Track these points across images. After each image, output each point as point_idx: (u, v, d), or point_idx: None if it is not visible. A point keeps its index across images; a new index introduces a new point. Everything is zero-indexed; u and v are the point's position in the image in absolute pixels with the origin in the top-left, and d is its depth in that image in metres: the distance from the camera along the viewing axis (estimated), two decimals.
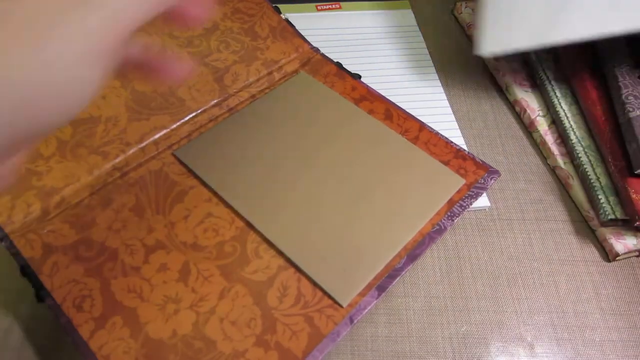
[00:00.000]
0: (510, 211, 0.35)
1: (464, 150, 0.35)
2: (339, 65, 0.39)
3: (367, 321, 0.30)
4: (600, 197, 0.34)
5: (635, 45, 0.38)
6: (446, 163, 0.34)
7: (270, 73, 0.38)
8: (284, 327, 0.27)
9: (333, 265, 0.29)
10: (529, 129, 0.40)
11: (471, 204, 0.32)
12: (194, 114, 0.35)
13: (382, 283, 0.28)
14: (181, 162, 0.32)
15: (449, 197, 0.32)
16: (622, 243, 0.33)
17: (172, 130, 0.34)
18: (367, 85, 0.38)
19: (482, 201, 0.35)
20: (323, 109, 0.36)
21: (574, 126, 0.37)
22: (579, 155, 0.36)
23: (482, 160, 0.34)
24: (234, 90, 0.36)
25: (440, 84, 0.42)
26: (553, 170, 0.38)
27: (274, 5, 0.42)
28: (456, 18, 0.48)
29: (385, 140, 0.35)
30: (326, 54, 0.40)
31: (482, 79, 0.44)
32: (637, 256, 0.34)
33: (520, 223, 0.35)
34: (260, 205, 0.31)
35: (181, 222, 0.30)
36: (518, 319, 0.31)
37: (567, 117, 0.38)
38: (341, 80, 0.38)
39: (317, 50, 0.40)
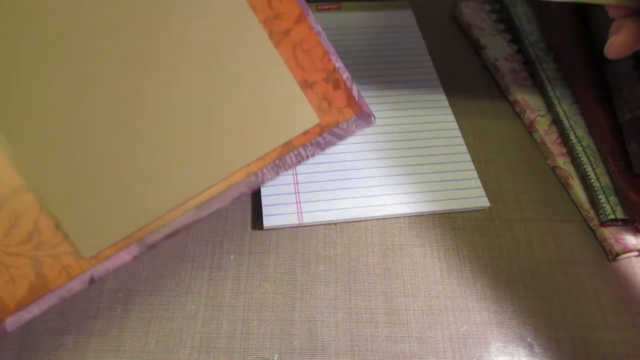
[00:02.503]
0: (510, 211, 0.35)
1: (343, 74, 0.26)
2: None
3: (367, 321, 0.30)
4: (600, 197, 0.34)
5: None
6: (309, 85, 0.25)
7: None
8: (1, 268, 0.21)
9: (87, 203, 0.22)
10: (529, 129, 0.40)
11: (314, 155, 0.25)
12: None
13: (148, 238, 0.22)
14: None
15: (286, 139, 0.24)
16: (622, 243, 0.33)
17: None
18: None
19: (482, 201, 0.35)
20: None
21: (574, 126, 0.37)
22: (579, 155, 0.36)
23: (359, 96, 0.26)
24: None
25: (440, 84, 0.42)
26: (553, 170, 0.38)
27: None
28: (456, 18, 0.48)
29: (234, 30, 0.24)
30: None
31: (482, 79, 0.44)
32: (637, 256, 0.34)
33: (520, 223, 0.35)
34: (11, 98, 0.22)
35: None
36: (518, 319, 0.31)
37: (567, 117, 0.38)
38: None
39: None
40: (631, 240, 0.33)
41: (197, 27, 0.23)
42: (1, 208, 0.22)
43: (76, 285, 0.22)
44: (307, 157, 0.25)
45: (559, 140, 0.38)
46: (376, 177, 0.36)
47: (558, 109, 0.38)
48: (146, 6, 0.23)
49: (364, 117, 0.26)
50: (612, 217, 0.33)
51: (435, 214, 0.35)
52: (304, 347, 0.29)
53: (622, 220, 0.33)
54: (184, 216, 0.23)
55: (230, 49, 0.24)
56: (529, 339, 0.30)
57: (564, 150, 0.37)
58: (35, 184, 0.22)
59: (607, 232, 0.33)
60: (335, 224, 0.34)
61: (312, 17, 0.25)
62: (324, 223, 0.34)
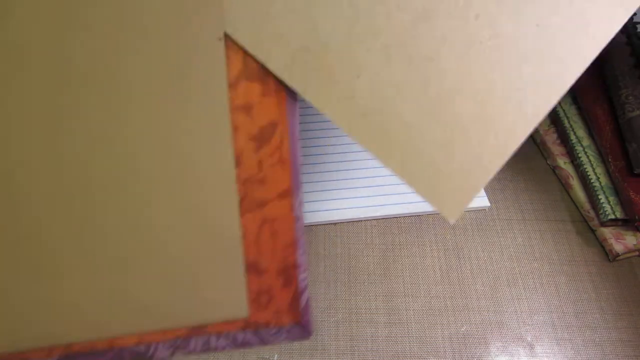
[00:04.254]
0: (510, 211, 0.35)
1: (300, 273, 0.21)
2: None
3: (367, 321, 0.30)
4: (600, 197, 0.34)
5: (636, 45, 0.38)
6: (258, 271, 0.20)
7: None
8: None
9: None
10: None
11: (223, 349, 0.20)
12: None
13: None
14: None
15: (200, 322, 0.19)
16: (622, 243, 0.33)
17: None
18: None
19: (482, 201, 0.35)
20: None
21: (574, 126, 0.37)
22: (579, 155, 0.36)
23: (306, 305, 0.21)
24: None
25: None
26: (553, 170, 0.38)
27: None
28: None
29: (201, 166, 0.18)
30: None
31: None
32: (637, 256, 0.34)
33: (520, 223, 0.35)
34: None
35: None
36: (518, 319, 0.31)
37: (567, 117, 0.38)
38: None
39: None
40: (631, 240, 0.33)
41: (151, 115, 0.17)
42: None
43: None
44: (215, 349, 0.20)
45: (559, 140, 0.38)
46: (376, 177, 0.36)
47: (558, 109, 0.38)
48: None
49: (300, 330, 0.21)
50: (612, 217, 0.33)
51: (435, 214, 0.35)
52: (304, 347, 0.29)
53: (622, 220, 0.33)
54: None
55: (191, 186, 0.18)
56: (529, 339, 0.30)
57: (564, 150, 0.37)
58: None
59: (607, 232, 0.33)
60: (335, 224, 0.34)
61: (299, 197, 0.20)
62: (324, 223, 0.34)
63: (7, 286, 0.17)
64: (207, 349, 0.19)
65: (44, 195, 0.17)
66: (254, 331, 0.20)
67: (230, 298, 0.19)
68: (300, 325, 0.20)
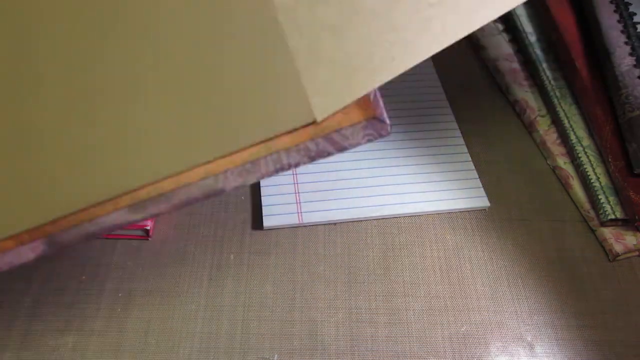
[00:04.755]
0: (510, 211, 0.35)
1: None
2: None
3: (367, 321, 0.30)
4: (600, 197, 0.34)
5: (636, 45, 0.38)
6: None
7: None
8: None
9: None
10: (528, 129, 0.40)
11: (298, 164, 0.18)
12: None
13: (61, 236, 0.17)
14: None
15: (264, 137, 0.17)
16: (622, 243, 0.33)
17: None
18: None
19: (482, 201, 0.35)
20: None
21: (574, 126, 0.37)
22: (579, 155, 0.36)
23: (376, 97, 0.19)
24: None
25: (440, 84, 0.42)
26: (553, 170, 0.38)
27: None
28: None
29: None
30: None
31: (482, 79, 0.44)
32: (637, 256, 0.34)
33: (520, 223, 0.35)
34: None
35: None
36: (518, 319, 0.31)
37: (567, 117, 0.38)
38: None
39: None
40: (631, 240, 0.33)
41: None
42: None
43: None
44: (289, 167, 0.18)
45: (559, 140, 0.38)
46: (376, 177, 0.36)
47: (558, 109, 0.38)
48: None
49: (377, 125, 0.18)
50: (612, 217, 0.33)
51: (435, 214, 0.35)
52: (304, 347, 0.29)
53: (622, 220, 0.33)
54: (112, 215, 0.17)
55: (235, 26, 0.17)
56: (529, 339, 0.30)
57: (564, 150, 0.37)
58: None
59: (607, 232, 0.33)
60: (335, 224, 0.34)
61: None
62: (324, 223, 0.34)
63: (64, 138, 0.17)
64: (280, 168, 0.18)
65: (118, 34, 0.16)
66: (326, 137, 0.18)
67: (290, 102, 0.17)
68: (375, 119, 0.18)
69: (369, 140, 0.18)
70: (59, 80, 0.17)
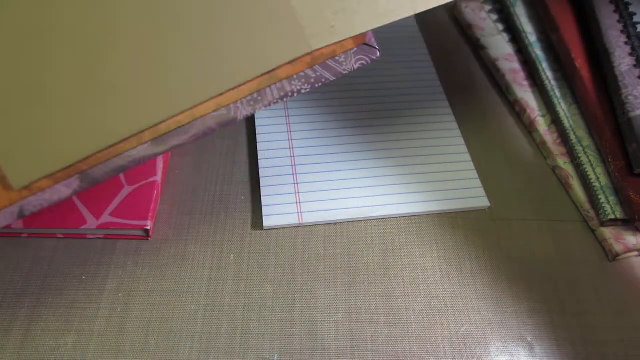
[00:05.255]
0: (510, 211, 0.35)
1: None
2: None
3: (367, 321, 0.30)
4: (600, 197, 0.34)
5: (636, 45, 0.38)
6: None
7: None
8: None
9: (22, 124, 0.18)
10: (528, 129, 0.40)
11: (300, 91, 0.20)
12: None
13: (92, 171, 0.19)
14: None
15: (268, 68, 0.19)
16: (622, 243, 0.33)
17: None
18: None
19: (482, 201, 0.35)
20: None
21: (574, 126, 0.37)
22: (579, 155, 0.36)
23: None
24: None
25: (440, 84, 0.42)
26: (553, 170, 0.38)
27: None
28: (456, 18, 0.48)
29: None
30: None
31: (482, 79, 0.44)
32: (637, 256, 0.34)
33: (520, 223, 0.35)
34: None
35: None
36: (518, 319, 0.31)
37: (567, 117, 0.38)
38: None
39: None
40: (631, 240, 0.33)
41: None
42: None
43: (3, 218, 0.19)
44: (293, 93, 0.20)
45: (559, 140, 0.38)
46: (376, 177, 0.36)
47: (558, 109, 0.38)
48: None
49: (367, 50, 0.20)
50: (612, 217, 0.33)
51: (435, 214, 0.35)
52: (304, 347, 0.29)
53: (622, 220, 0.33)
54: (136, 149, 0.19)
55: None
56: (529, 339, 0.30)
57: (564, 150, 0.37)
58: None
59: (607, 232, 0.33)
60: (335, 224, 0.34)
61: None
62: (324, 223, 0.34)
63: (84, 82, 0.18)
64: (284, 95, 0.20)
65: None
66: (323, 64, 0.20)
67: (288, 35, 0.19)
68: (364, 45, 0.20)
69: (362, 65, 0.20)
70: (79, 26, 0.18)
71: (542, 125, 0.39)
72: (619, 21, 0.38)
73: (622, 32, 0.38)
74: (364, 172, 0.36)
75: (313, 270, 0.32)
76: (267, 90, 0.20)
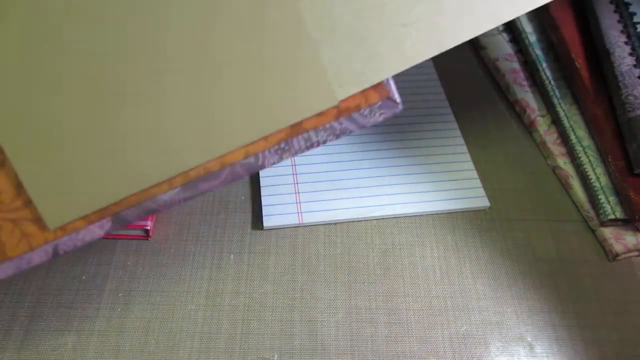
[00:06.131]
0: (510, 211, 0.35)
1: None
2: None
3: (367, 321, 0.30)
4: (600, 197, 0.34)
5: (636, 45, 0.38)
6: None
7: None
8: None
9: (59, 165, 0.19)
10: (529, 129, 0.40)
11: (325, 141, 0.21)
12: None
13: (125, 213, 0.20)
14: None
15: (296, 120, 0.20)
16: (622, 243, 0.33)
17: None
18: None
19: (482, 201, 0.35)
20: None
21: (574, 126, 0.37)
22: (579, 155, 0.36)
23: (388, 78, 0.21)
24: None
25: (440, 84, 0.42)
26: (553, 170, 0.38)
27: None
28: None
29: None
30: None
31: (482, 78, 0.44)
32: (637, 256, 0.34)
33: (520, 223, 0.35)
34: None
35: None
36: (518, 319, 0.31)
37: (567, 117, 0.38)
38: None
39: None
40: (631, 240, 0.33)
41: None
42: None
43: (37, 257, 0.19)
44: (318, 144, 0.21)
45: (559, 140, 0.38)
46: (376, 177, 0.36)
47: (558, 109, 0.38)
48: None
49: (390, 104, 0.21)
50: (612, 217, 0.33)
51: (435, 214, 0.35)
52: (304, 347, 0.29)
53: (622, 220, 0.33)
54: (167, 194, 0.20)
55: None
56: (529, 339, 0.30)
57: (564, 150, 0.37)
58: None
59: (607, 232, 0.33)
60: (335, 224, 0.34)
61: None
62: (324, 223, 0.34)
63: (120, 127, 0.19)
64: (310, 145, 0.21)
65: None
66: (348, 117, 0.21)
67: (316, 88, 0.20)
68: (389, 99, 0.21)
69: (385, 118, 0.21)
70: (122, 72, 0.19)
71: (542, 125, 0.39)
72: (619, 21, 0.38)
73: (622, 32, 0.38)
74: (364, 172, 0.36)
75: (313, 270, 0.32)
76: (294, 140, 0.21)
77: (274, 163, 0.21)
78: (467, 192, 0.35)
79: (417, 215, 0.35)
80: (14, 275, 0.20)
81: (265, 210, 0.34)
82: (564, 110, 0.38)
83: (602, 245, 0.34)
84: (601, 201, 0.34)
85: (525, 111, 0.40)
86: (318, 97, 0.20)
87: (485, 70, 0.44)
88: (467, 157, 0.37)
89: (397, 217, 0.35)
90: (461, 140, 0.38)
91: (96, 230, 0.20)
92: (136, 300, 0.30)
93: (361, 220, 0.34)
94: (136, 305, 0.30)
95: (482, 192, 0.35)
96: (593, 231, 0.35)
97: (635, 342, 0.30)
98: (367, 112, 0.21)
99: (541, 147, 0.39)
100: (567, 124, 0.38)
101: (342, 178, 0.36)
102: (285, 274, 0.32)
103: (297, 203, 0.34)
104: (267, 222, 0.33)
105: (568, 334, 0.30)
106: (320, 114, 0.20)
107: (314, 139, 0.21)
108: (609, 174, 0.35)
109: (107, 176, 0.19)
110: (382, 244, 0.33)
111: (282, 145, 0.20)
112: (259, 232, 0.34)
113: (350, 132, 0.21)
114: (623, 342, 0.30)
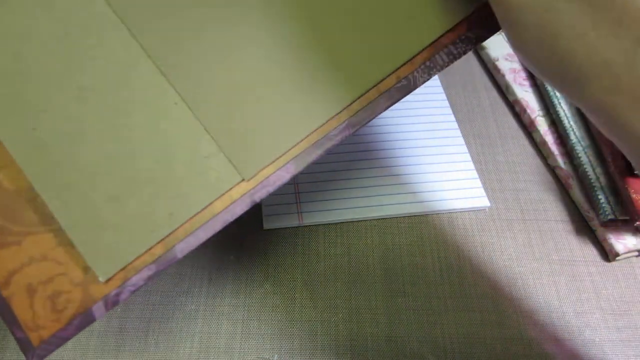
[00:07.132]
0: (510, 211, 0.35)
1: None
2: None
3: (367, 321, 0.30)
4: (600, 197, 0.34)
5: None
6: None
7: None
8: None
9: (244, 123, 0.21)
10: (529, 129, 0.40)
11: (466, 52, 0.23)
12: None
13: (306, 154, 0.21)
14: None
15: (435, 36, 0.22)
16: (622, 243, 0.33)
17: None
18: None
19: (482, 201, 0.35)
20: None
21: (574, 126, 0.37)
22: (579, 155, 0.36)
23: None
24: None
25: (440, 84, 0.42)
26: (553, 170, 0.38)
27: None
28: None
29: None
30: None
31: (482, 79, 0.44)
32: (637, 256, 0.34)
33: (520, 223, 0.35)
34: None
35: None
36: (518, 319, 0.31)
37: (567, 117, 0.38)
38: None
39: None
40: (631, 240, 0.33)
41: None
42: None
43: (239, 207, 0.22)
44: (460, 55, 0.22)
45: (559, 141, 0.38)
46: (376, 177, 0.36)
47: (558, 109, 0.38)
48: None
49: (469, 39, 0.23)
50: (612, 217, 0.33)
51: (435, 214, 0.35)
52: (304, 347, 0.29)
53: (622, 220, 0.33)
54: (337, 129, 0.21)
55: None
56: (528, 339, 0.30)
57: (564, 150, 0.37)
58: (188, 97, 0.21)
59: (607, 232, 0.33)
60: (335, 224, 0.34)
61: None
62: (324, 223, 0.34)
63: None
64: (452, 58, 0.22)
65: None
66: (474, 28, 0.22)
67: (447, 10, 0.22)
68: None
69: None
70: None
71: (542, 125, 0.39)
72: None
73: None
74: (364, 172, 0.36)
75: (313, 270, 0.32)
76: (437, 57, 0.22)
77: (424, 81, 0.22)
78: (467, 192, 0.35)
79: (417, 215, 0.35)
80: (220, 229, 0.22)
81: (265, 211, 0.34)
82: (564, 110, 0.38)
83: (602, 245, 0.34)
84: (601, 201, 0.34)
85: (525, 111, 0.40)
86: (450, 16, 0.22)
87: (485, 70, 0.44)
88: (467, 157, 0.37)
89: (397, 217, 0.35)
90: (461, 140, 0.38)
91: (283, 175, 0.21)
92: (136, 300, 0.30)
93: (361, 220, 0.34)
94: (136, 305, 0.30)
95: (482, 192, 0.35)
96: (593, 231, 0.35)
97: (635, 342, 0.30)
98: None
99: (541, 147, 0.39)
100: (567, 124, 0.38)
101: (342, 178, 0.36)
102: (285, 274, 0.32)
103: (297, 203, 0.34)
104: (267, 222, 0.33)
105: (568, 334, 0.30)
106: (453, 29, 0.22)
107: (454, 51, 0.22)
108: (609, 174, 0.35)
109: (286, 123, 0.21)
110: (382, 244, 0.33)
111: (428, 63, 0.22)
112: (259, 232, 0.34)
113: (485, 39, 0.22)
114: (623, 342, 0.30)
